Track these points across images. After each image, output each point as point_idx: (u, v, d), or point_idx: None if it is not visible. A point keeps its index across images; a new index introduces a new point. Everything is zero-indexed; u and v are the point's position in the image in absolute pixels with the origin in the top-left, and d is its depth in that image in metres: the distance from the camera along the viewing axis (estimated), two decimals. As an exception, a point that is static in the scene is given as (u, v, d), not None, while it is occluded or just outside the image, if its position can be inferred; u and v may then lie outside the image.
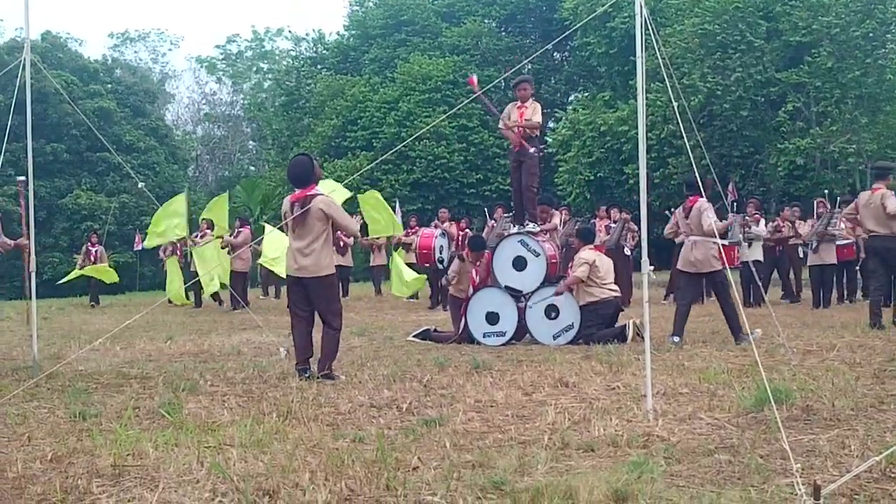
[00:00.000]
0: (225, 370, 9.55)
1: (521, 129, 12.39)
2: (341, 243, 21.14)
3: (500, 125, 12.98)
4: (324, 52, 57.93)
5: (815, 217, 18.34)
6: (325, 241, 8.97)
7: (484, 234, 16.59)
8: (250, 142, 70.44)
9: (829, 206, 18.73)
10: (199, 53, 75.17)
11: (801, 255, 20.01)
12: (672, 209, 13.72)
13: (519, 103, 12.59)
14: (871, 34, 35.15)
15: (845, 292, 19.05)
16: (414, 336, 12.90)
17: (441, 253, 18.34)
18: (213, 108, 70.72)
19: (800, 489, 4.23)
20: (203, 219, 20.98)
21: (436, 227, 19.64)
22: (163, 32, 74.24)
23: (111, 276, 23.70)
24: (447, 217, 20.81)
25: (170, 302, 19.83)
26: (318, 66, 56.46)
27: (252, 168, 67.87)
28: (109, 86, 52.71)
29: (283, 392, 7.99)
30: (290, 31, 72.16)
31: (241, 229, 21.31)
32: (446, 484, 4.68)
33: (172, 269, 18.42)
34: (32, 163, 10.24)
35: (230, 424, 6.46)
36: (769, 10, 37.62)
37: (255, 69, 71.73)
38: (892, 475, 4.75)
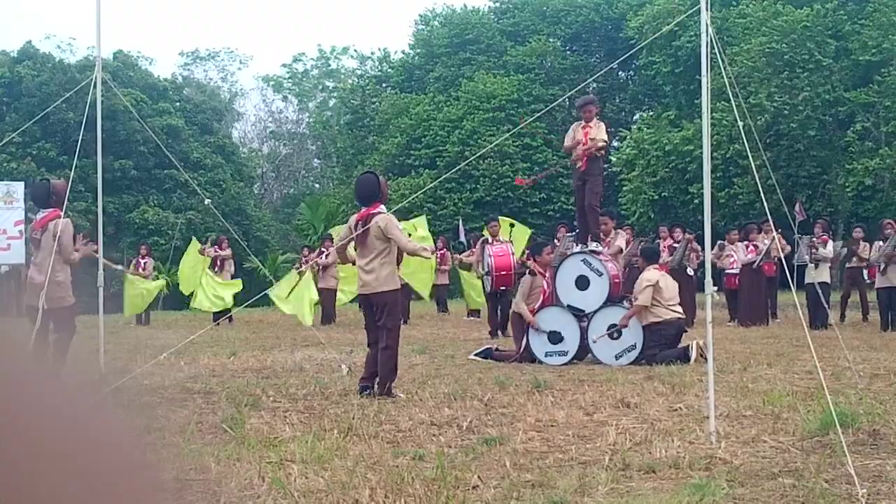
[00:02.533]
0: (287, 386, 9.61)
1: (586, 148, 12.40)
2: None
3: (566, 143, 12.99)
4: (388, 70, 58.25)
5: (882, 238, 18.05)
6: (385, 258, 9.02)
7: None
8: (315, 160, 70.88)
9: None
10: (267, 72, 75.79)
11: (865, 278, 19.85)
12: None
13: (584, 123, 12.60)
14: (942, 53, 34.65)
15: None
16: (475, 355, 12.87)
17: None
18: (279, 126, 71.31)
19: (865, 515, 4.17)
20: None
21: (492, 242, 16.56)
22: (233, 51, 74.81)
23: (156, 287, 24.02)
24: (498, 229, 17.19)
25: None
26: (383, 85, 56.77)
27: (317, 186, 68.28)
28: (178, 104, 53.34)
29: (345, 409, 8.02)
30: (355, 50, 72.55)
31: (330, 249, 21.60)
32: (506, 503, 4.67)
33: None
34: (102, 179, 10.40)
35: (291, 440, 6.50)
36: (838, 28, 37.23)
37: (320, 87, 72.24)
38: (961, 502, 4.66)
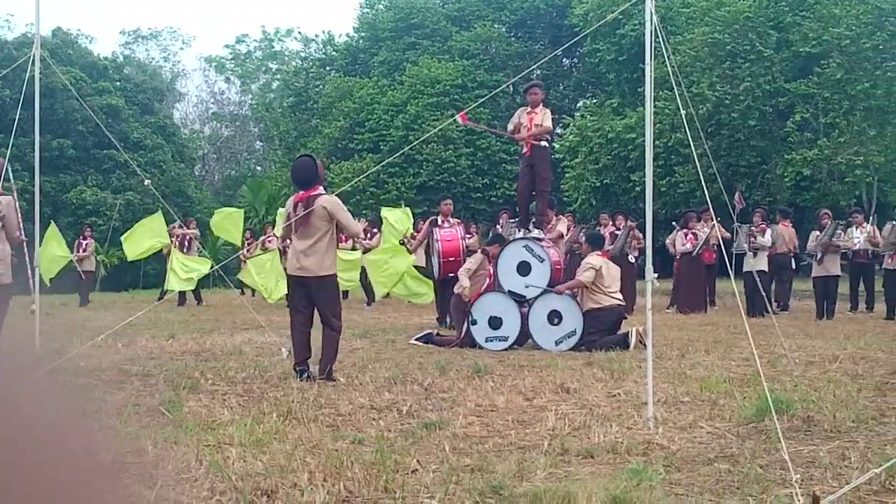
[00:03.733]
0: (226, 369, 9.55)
1: (530, 134, 12.42)
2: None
3: (509, 127, 13.00)
4: (333, 53, 58.00)
5: (819, 229, 18.32)
6: (328, 241, 8.98)
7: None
8: (257, 142, 70.50)
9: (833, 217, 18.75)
10: (210, 53, 75.24)
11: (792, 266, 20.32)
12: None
13: (529, 108, 12.61)
14: (881, 46, 35.11)
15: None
16: (416, 339, 12.88)
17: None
18: (221, 108, 70.80)
19: (799, 500, 4.23)
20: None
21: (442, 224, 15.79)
22: (175, 31, 74.27)
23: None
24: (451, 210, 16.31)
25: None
26: (327, 68, 56.52)
27: (258, 168, 67.91)
28: (118, 83, 52.73)
29: (284, 392, 7.98)
30: (299, 32, 72.45)
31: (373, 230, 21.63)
32: (445, 487, 4.68)
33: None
34: (39, 158, 10.23)
35: (230, 423, 6.45)
36: (780, 20, 37.64)
37: (263, 69, 71.83)
38: (892, 488, 4.74)
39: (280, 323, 15.30)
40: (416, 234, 17.63)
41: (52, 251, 21.19)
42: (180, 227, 22.95)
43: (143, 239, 20.48)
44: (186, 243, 22.95)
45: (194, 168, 61.89)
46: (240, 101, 71.22)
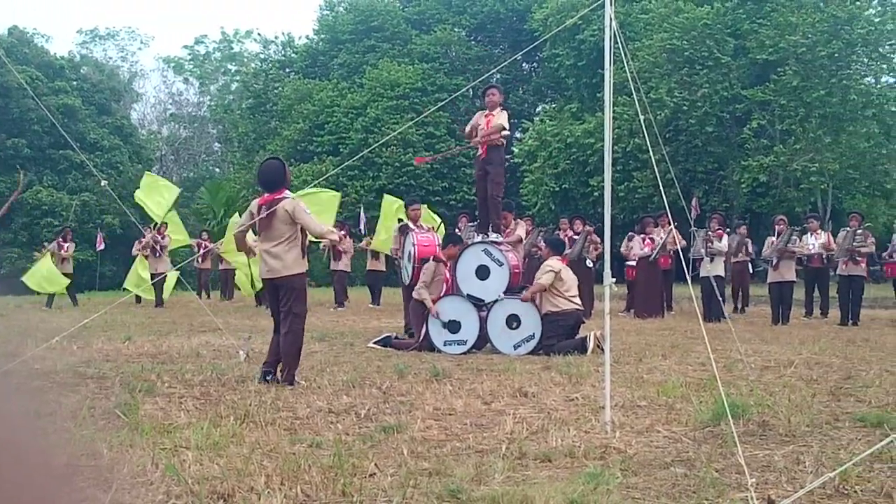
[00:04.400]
0: (183, 372, 9.47)
1: (485, 134, 12.41)
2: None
3: (467, 129, 12.98)
4: (292, 55, 57.87)
5: (775, 234, 18.47)
6: (290, 243, 8.93)
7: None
8: (216, 143, 70.15)
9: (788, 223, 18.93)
10: (168, 53, 74.72)
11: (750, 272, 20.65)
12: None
13: (487, 111, 12.61)
14: (836, 54, 35.51)
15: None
16: (374, 342, 12.85)
17: None
18: (179, 109, 70.38)
19: (754, 504, 4.26)
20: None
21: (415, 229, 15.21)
22: (133, 31, 73.75)
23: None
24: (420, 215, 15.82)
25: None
26: (287, 70, 56.40)
27: (217, 170, 67.59)
28: (75, 83, 52.29)
29: (241, 395, 7.94)
30: (258, 34, 72.14)
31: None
32: (402, 491, 4.67)
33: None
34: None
35: (186, 427, 6.41)
36: (737, 27, 37.97)
37: (222, 71, 71.48)
38: (845, 492, 4.78)
39: (238, 326, 15.23)
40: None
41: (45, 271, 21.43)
42: (153, 233, 22.98)
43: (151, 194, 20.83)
44: (159, 250, 23.02)
45: (152, 169, 61.36)
46: (198, 103, 70.84)
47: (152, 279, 20.95)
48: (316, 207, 17.49)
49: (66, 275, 23.04)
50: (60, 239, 24.47)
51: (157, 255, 23.10)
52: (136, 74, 71.21)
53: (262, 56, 64.42)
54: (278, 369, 8.92)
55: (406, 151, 44.54)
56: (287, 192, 9.10)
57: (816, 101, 35.64)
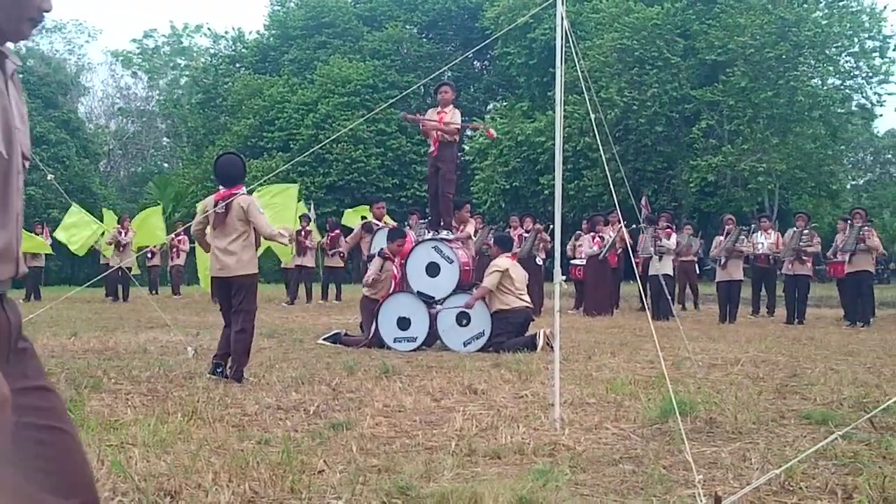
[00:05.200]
0: (130, 368, 9.38)
1: (439, 132, 12.40)
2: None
3: (421, 126, 12.96)
4: (243, 50, 57.55)
5: (724, 234, 18.63)
6: (246, 240, 8.85)
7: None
8: (164, 138, 69.58)
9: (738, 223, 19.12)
10: (117, 47, 73.97)
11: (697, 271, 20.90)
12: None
13: (439, 108, 12.61)
14: (784, 56, 35.90)
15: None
16: (324, 339, 12.80)
17: None
18: (127, 103, 69.71)
19: (701, 500, 4.28)
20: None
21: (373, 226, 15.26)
22: (81, 24, 72.77)
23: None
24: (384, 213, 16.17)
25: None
26: (237, 65, 56.09)
27: (166, 165, 67.05)
28: (21, 76, 51.32)
29: (189, 392, 7.87)
30: (208, 29, 71.60)
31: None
32: (351, 488, 4.65)
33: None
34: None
35: (133, 423, 6.34)
36: (687, 28, 38.26)
37: (171, 65, 70.89)
38: (791, 488, 4.83)
39: (186, 322, 15.12)
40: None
41: None
42: (119, 230, 22.91)
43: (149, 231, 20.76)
44: (121, 248, 22.90)
45: (99, 164, 60.82)
46: (147, 97, 70.22)
47: (112, 272, 20.79)
48: (277, 205, 17.65)
49: (33, 268, 22.85)
50: (32, 233, 24.28)
51: (121, 249, 22.92)
52: (84, 68, 70.40)
53: (211, 51, 63.96)
54: (228, 364, 8.86)
55: (357, 148, 44.45)
56: (243, 188, 9.03)
57: (764, 102, 36.03)
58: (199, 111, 54.57)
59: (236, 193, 8.83)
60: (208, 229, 9.18)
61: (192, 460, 5.17)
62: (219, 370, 8.72)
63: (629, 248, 14.45)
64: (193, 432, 6.11)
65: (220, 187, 9.03)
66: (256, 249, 9.13)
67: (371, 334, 12.46)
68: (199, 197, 11.54)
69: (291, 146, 45.13)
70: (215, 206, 8.89)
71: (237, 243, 8.78)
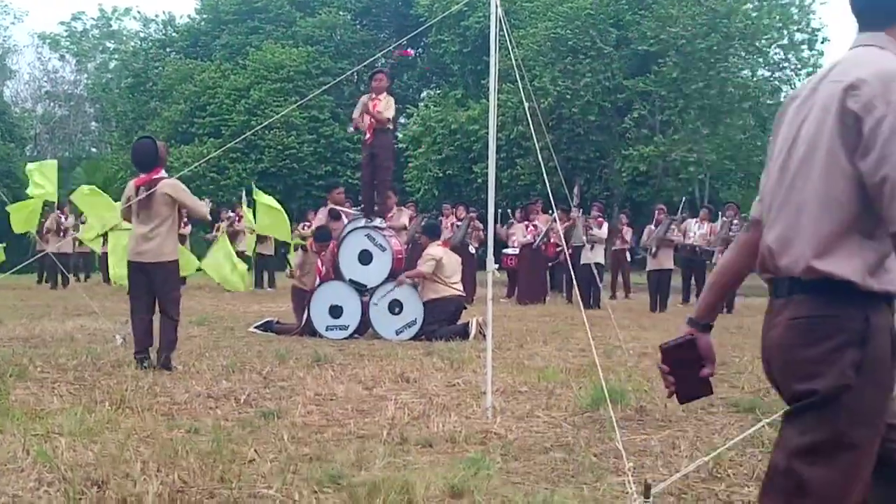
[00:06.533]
0: (56, 356, 9.24)
1: (372, 121, 12.37)
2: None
3: (355, 115, 12.89)
4: (173, 34, 56.86)
5: (654, 223, 18.78)
6: (169, 226, 8.77)
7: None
8: (93, 123, 68.55)
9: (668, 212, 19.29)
10: (44, 29, 72.58)
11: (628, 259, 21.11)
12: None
13: (373, 95, 12.57)
14: (715, 47, 36.23)
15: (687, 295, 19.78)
16: (255, 327, 12.73)
17: None
18: (54, 87, 68.52)
19: (631, 488, 4.32)
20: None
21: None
22: (6, 5, 71.35)
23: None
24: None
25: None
26: (167, 49, 55.41)
27: (94, 150, 66.08)
28: (-55, 58, 50.53)
29: (117, 380, 7.78)
30: (138, 12, 70.28)
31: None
32: (282, 477, 4.63)
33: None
34: None
35: (59, 412, 6.25)
36: (619, 18, 38.46)
37: (100, 48, 69.75)
38: (719, 475, 4.89)
39: (114, 309, 14.92)
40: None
41: None
42: (56, 213, 22.58)
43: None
44: (62, 232, 22.57)
45: (25, 148, 59.69)
46: (75, 81, 69.07)
47: (38, 258, 20.45)
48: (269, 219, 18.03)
49: None
50: None
51: (62, 235, 22.58)
52: (10, 50, 69.04)
53: (141, 34, 62.99)
54: (152, 353, 8.76)
55: (289, 134, 44.16)
56: (163, 171, 8.94)
57: (695, 93, 36.35)
58: (128, 95, 53.82)
59: (157, 178, 8.75)
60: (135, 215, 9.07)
61: (119, 450, 5.11)
62: (145, 363, 8.62)
63: (561, 237, 14.54)
64: (121, 421, 6.04)
65: (141, 173, 8.94)
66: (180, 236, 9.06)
67: (303, 322, 12.41)
68: (128, 182, 11.48)
69: (223, 132, 44.68)
70: (137, 191, 8.80)
71: (161, 229, 8.71)
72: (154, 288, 8.81)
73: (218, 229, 22.20)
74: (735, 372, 8.81)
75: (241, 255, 23.17)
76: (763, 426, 5.49)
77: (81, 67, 69.33)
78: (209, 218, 9.65)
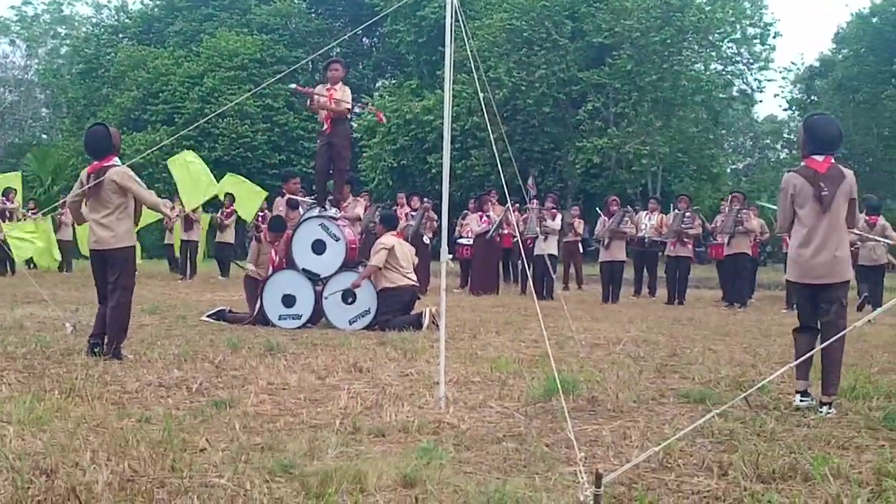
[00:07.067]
0: (5, 344, 9.13)
1: (328, 111, 12.32)
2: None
3: (312, 104, 12.82)
4: (126, 20, 56.29)
5: (607, 215, 18.85)
6: (121, 213, 8.69)
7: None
8: (44, 109, 67.66)
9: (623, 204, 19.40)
10: (-7, 13, 71.74)
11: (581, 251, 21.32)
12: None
13: (329, 85, 12.51)
14: (668, 41, 36.50)
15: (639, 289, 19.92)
16: (208, 316, 12.65)
17: None
18: (4, 72, 67.54)
19: (582, 477, 4.34)
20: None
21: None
22: (-46, -11, 70.39)
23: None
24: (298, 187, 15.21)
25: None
26: (120, 35, 54.85)
27: (45, 136, 65.22)
28: None
29: (67, 369, 7.71)
30: (91, -3, 69.55)
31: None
32: (234, 466, 4.61)
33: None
34: None
35: (8, 401, 6.18)
36: (575, 10, 38.62)
37: (51, 34, 68.85)
38: (669, 465, 4.93)
39: (65, 297, 14.78)
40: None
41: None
42: (4, 201, 22.27)
43: None
44: (8, 214, 22.26)
45: (-26, 134, 59.00)
46: (25, 66, 68.12)
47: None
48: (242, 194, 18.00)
49: None
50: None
51: (4, 219, 22.32)
52: (-43, 35, 68.11)
53: (94, 20, 62.27)
54: (105, 342, 8.68)
55: (243, 123, 43.90)
56: (116, 159, 8.84)
57: (649, 86, 36.61)
58: (80, 82, 53.22)
59: (108, 166, 8.67)
60: (85, 202, 8.99)
61: (69, 438, 5.07)
62: (96, 349, 8.55)
63: (516, 228, 14.56)
64: (71, 410, 5.99)
65: (94, 160, 8.85)
66: (136, 222, 8.97)
67: (255, 311, 12.36)
68: (80, 169, 11.47)
69: (176, 120, 44.35)
70: (88, 179, 8.72)
71: (112, 216, 8.62)
72: (108, 273, 8.73)
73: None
74: (686, 363, 8.89)
75: (192, 243, 23.06)
76: (713, 416, 5.54)
77: (32, 53, 68.41)
78: (161, 207, 9.54)
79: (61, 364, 8.05)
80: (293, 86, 13.33)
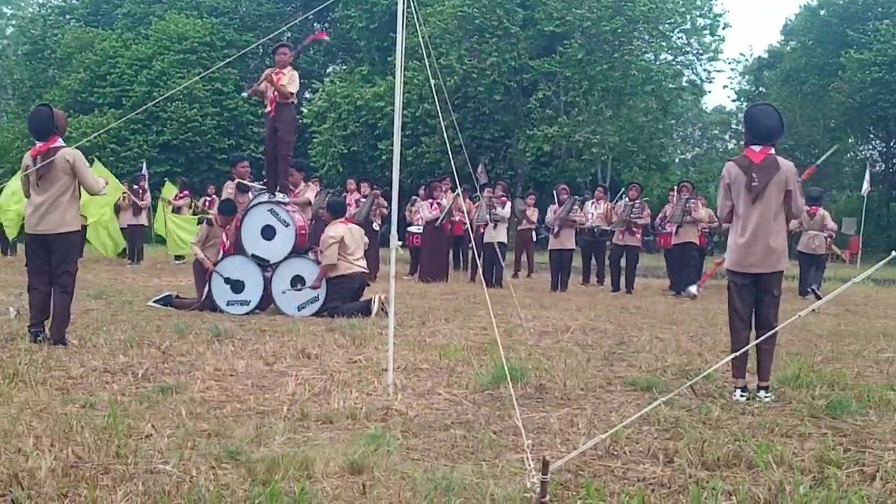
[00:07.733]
0: (-53, 329, 9.01)
1: (274, 94, 12.24)
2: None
3: (258, 87, 12.72)
4: (73, 1, 55.60)
5: (557, 203, 18.89)
6: (69, 196, 8.56)
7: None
8: (-12, 90, 66.75)
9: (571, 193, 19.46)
10: (-64, -8, 70.42)
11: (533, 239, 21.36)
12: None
13: (277, 69, 12.43)
14: (619, 30, 36.69)
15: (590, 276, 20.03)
16: (154, 301, 12.54)
17: None
18: (-53, 52, 66.58)
19: (529, 464, 4.36)
20: None
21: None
22: None
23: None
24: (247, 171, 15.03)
25: None
26: (67, 17, 54.23)
27: (-11, 118, 64.38)
28: None
29: (10, 354, 7.61)
30: (37, -23, 68.65)
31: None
32: (180, 453, 4.58)
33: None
34: None
35: (-51, 386, 6.10)
36: (527, -2, 38.69)
37: (-4, 14, 67.93)
38: (616, 453, 4.97)
39: (8, 281, 14.59)
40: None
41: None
42: None
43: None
44: None
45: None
46: (-31, 46, 67.18)
47: None
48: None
49: None
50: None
51: None
52: None
53: (40, 0, 61.52)
54: (47, 327, 8.56)
55: (192, 107, 43.57)
56: (60, 140, 8.70)
57: (599, 75, 36.78)
58: (25, 63, 52.55)
59: (55, 147, 8.53)
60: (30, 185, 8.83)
61: (12, 424, 5.01)
62: (39, 337, 8.43)
63: (466, 215, 14.56)
64: (14, 395, 5.92)
65: (37, 142, 8.70)
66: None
67: (203, 297, 12.27)
68: (24, 152, 11.24)
69: (124, 103, 43.93)
70: (34, 161, 8.56)
71: (62, 199, 8.48)
72: (52, 259, 8.60)
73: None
74: (633, 351, 8.95)
75: (140, 228, 22.85)
76: (659, 404, 5.58)
77: (-24, 33, 67.47)
78: (104, 193, 9.43)
79: (4, 349, 7.95)
80: (245, 94, 13.26)
